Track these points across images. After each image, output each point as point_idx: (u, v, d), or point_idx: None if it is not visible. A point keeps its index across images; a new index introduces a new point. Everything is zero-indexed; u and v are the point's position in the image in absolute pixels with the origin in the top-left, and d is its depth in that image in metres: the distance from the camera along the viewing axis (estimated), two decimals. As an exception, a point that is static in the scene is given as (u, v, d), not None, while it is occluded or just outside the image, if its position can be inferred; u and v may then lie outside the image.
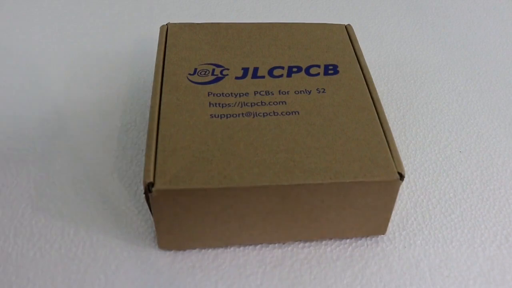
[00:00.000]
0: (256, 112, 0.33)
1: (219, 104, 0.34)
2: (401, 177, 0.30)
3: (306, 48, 0.39)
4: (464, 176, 0.39)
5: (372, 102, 0.35)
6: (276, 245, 0.34)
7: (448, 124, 0.44)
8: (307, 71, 0.37)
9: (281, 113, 0.33)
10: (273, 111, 0.33)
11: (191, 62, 0.37)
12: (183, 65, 0.36)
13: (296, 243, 0.34)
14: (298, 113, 0.33)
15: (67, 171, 0.38)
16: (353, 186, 0.30)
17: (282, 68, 0.37)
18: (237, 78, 0.36)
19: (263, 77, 0.36)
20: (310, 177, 0.29)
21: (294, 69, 0.37)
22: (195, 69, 0.36)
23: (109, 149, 0.40)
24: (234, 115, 0.33)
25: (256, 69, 0.37)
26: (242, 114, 0.33)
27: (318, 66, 0.37)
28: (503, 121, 0.45)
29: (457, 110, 0.46)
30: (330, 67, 0.37)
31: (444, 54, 0.53)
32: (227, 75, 0.36)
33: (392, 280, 0.32)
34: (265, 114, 0.33)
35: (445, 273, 0.33)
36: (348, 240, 0.34)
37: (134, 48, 0.51)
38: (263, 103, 0.34)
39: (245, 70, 0.37)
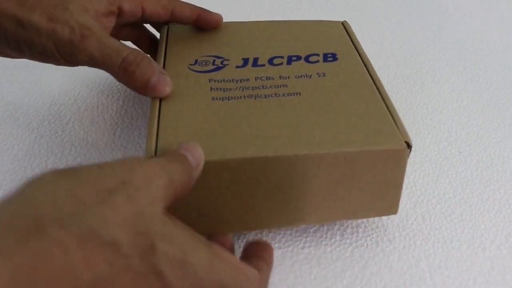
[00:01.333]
0: (257, 94, 0.33)
1: (220, 88, 0.33)
2: (408, 146, 0.29)
3: (304, 41, 0.39)
4: (464, 176, 0.39)
5: (372, 81, 0.34)
6: (276, 245, 0.34)
7: (448, 124, 0.44)
8: (306, 59, 0.37)
9: (283, 94, 0.33)
10: (275, 93, 0.33)
11: (192, 55, 0.37)
12: (184, 57, 0.36)
13: (296, 243, 0.34)
14: (300, 94, 0.33)
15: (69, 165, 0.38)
16: (360, 156, 0.29)
17: (282, 57, 0.37)
18: (237, 67, 0.36)
19: (263, 65, 0.36)
20: (316, 147, 0.29)
21: (294, 58, 0.37)
22: (196, 60, 0.36)
23: (110, 147, 0.40)
24: (236, 98, 0.32)
25: (256, 59, 0.37)
26: (244, 96, 0.32)
27: (317, 54, 0.37)
28: (503, 121, 0.45)
29: (457, 110, 0.46)
30: (329, 55, 0.37)
31: (444, 54, 0.53)
32: (228, 64, 0.36)
33: (392, 280, 0.32)
34: (266, 95, 0.33)
35: (445, 273, 0.33)
36: (348, 240, 0.34)
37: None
38: (264, 87, 0.34)
39: (245, 60, 0.36)
